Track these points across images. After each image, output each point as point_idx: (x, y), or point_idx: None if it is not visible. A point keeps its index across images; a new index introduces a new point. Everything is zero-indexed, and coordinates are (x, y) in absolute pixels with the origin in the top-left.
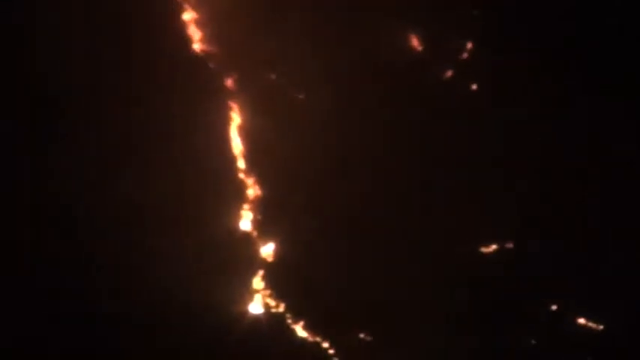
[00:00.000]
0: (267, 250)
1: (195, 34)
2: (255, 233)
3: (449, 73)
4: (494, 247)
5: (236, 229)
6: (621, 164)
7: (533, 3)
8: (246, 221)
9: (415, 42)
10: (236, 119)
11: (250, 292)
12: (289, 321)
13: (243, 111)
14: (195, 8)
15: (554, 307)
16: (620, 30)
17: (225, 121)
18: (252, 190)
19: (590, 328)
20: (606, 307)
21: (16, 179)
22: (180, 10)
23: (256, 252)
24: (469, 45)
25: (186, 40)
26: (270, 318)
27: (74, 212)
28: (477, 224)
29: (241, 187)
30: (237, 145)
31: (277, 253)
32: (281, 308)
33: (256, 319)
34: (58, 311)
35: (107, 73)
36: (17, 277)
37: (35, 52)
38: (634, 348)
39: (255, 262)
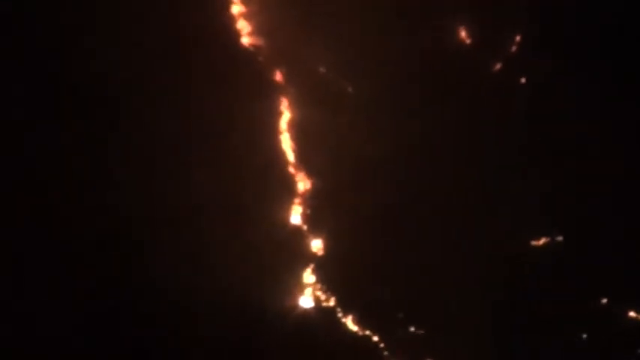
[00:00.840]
0: (318, 244)
1: (244, 27)
2: (305, 227)
3: (497, 68)
4: (540, 241)
5: (286, 223)
6: None
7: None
8: (296, 215)
9: (463, 36)
10: (286, 113)
11: (301, 286)
12: (340, 315)
13: (292, 105)
14: (243, 2)
15: (603, 301)
16: None
17: (275, 115)
18: (302, 184)
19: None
20: None
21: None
22: (229, 4)
23: (307, 246)
24: (517, 38)
25: (236, 34)
26: (321, 312)
27: (130, 208)
28: (520, 220)
29: (291, 181)
30: (286, 139)
31: (327, 247)
32: (332, 302)
33: (307, 312)
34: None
35: (158, 68)
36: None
37: (86, 50)
38: None
39: (305, 256)
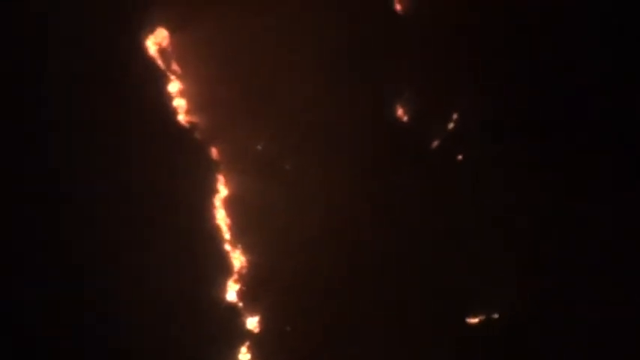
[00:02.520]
0: (253, 322)
1: (180, 105)
2: (240, 304)
3: (441, 138)
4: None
5: (222, 300)
6: None
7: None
8: (232, 292)
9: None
10: (222, 191)
11: None
12: None
13: (228, 182)
14: (180, 79)
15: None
16: None
17: (211, 193)
18: (238, 262)
19: None
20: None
21: None
22: (165, 82)
23: (242, 323)
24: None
25: (172, 112)
26: None
27: None
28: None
29: (227, 258)
30: (222, 216)
31: (263, 325)
32: None
33: None
34: None
35: (92, 143)
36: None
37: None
38: None
39: (241, 334)
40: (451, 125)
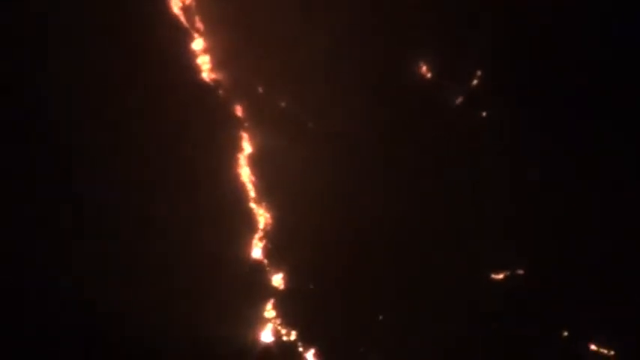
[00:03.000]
0: (278, 279)
1: (204, 63)
2: (266, 262)
3: (459, 100)
4: (503, 274)
5: (247, 257)
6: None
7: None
8: (257, 250)
9: (426, 69)
10: (247, 148)
11: (262, 321)
12: (300, 349)
13: (253, 139)
14: (204, 37)
15: (565, 334)
16: None
17: (236, 150)
18: (263, 219)
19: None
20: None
21: None
22: (189, 39)
23: (268, 280)
24: (479, 73)
25: (196, 69)
26: (282, 346)
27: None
28: (485, 253)
29: (252, 215)
30: (247, 173)
31: (288, 282)
32: (292, 336)
33: (268, 347)
34: None
35: (120, 105)
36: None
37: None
38: None
39: (266, 291)
40: (467, 88)
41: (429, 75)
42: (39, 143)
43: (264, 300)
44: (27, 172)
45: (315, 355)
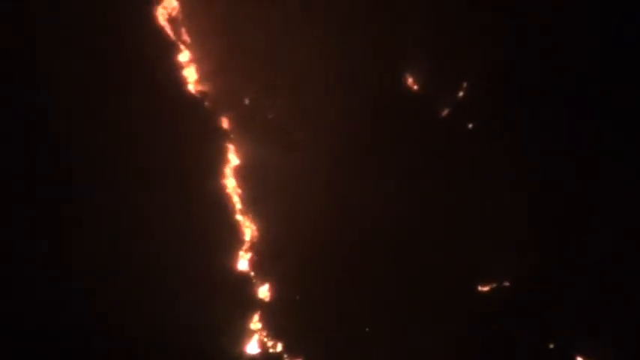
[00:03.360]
0: (264, 290)
1: (190, 74)
2: (252, 274)
3: (446, 112)
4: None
5: (233, 269)
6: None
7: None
8: (243, 261)
9: (413, 81)
10: (233, 159)
11: (248, 332)
12: None
13: (239, 151)
14: (190, 49)
15: (551, 346)
16: None
17: (222, 162)
18: (249, 231)
19: None
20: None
21: None
22: (175, 52)
23: (254, 292)
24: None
25: (182, 81)
26: (268, 358)
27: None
28: (475, 263)
29: (238, 228)
30: (233, 186)
31: (274, 293)
32: (278, 348)
33: (254, 359)
34: None
35: (104, 116)
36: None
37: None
38: None
39: (252, 303)
40: (461, 93)
41: (421, 79)
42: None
43: (250, 312)
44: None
45: None
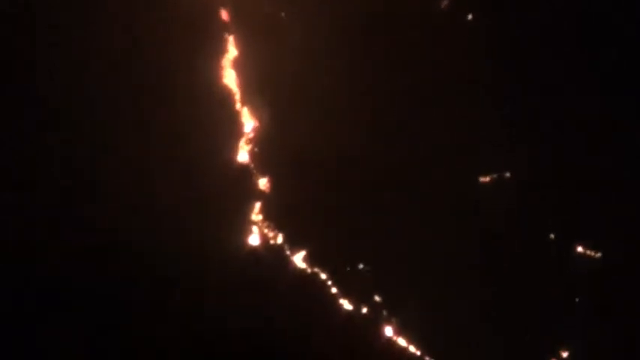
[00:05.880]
0: (264, 182)
1: None
2: (252, 165)
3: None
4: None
5: (233, 161)
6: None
7: None
8: (243, 153)
9: None
10: (232, 51)
11: (248, 224)
12: (287, 252)
13: (238, 42)
14: None
15: (551, 236)
16: None
17: (220, 53)
18: (249, 122)
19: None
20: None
21: None
22: None
23: (254, 184)
24: None
25: None
26: (268, 249)
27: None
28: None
29: (237, 119)
30: (232, 76)
31: (274, 185)
32: (279, 239)
33: (254, 250)
34: None
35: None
36: None
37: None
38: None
39: (252, 194)
40: None
41: None
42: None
43: (251, 203)
44: None
45: (304, 258)
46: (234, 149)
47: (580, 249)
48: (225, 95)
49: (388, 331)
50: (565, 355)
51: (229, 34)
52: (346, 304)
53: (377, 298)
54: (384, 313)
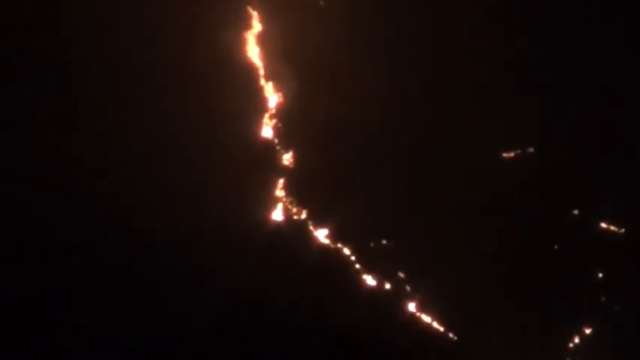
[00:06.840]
0: (288, 158)
1: None
2: (276, 141)
3: None
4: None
5: (257, 137)
6: None
7: None
8: (267, 129)
9: None
10: (256, 26)
11: (272, 200)
12: (311, 228)
13: (262, 18)
14: None
15: (575, 212)
16: None
17: (244, 29)
18: (273, 97)
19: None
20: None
21: None
22: None
23: (278, 159)
24: None
25: None
26: (292, 225)
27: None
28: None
29: (261, 94)
30: (255, 52)
31: (298, 161)
32: (303, 215)
33: (278, 225)
34: None
35: None
36: None
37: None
38: None
39: (276, 170)
40: None
41: None
42: None
43: (275, 179)
44: None
45: (328, 234)
46: (258, 124)
47: (603, 225)
48: (250, 71)
49: (411, 306)
50: (588, 331)
51: (254, 10)
52: (370, 280)
53: (400, 274)
54: (408, 288)
